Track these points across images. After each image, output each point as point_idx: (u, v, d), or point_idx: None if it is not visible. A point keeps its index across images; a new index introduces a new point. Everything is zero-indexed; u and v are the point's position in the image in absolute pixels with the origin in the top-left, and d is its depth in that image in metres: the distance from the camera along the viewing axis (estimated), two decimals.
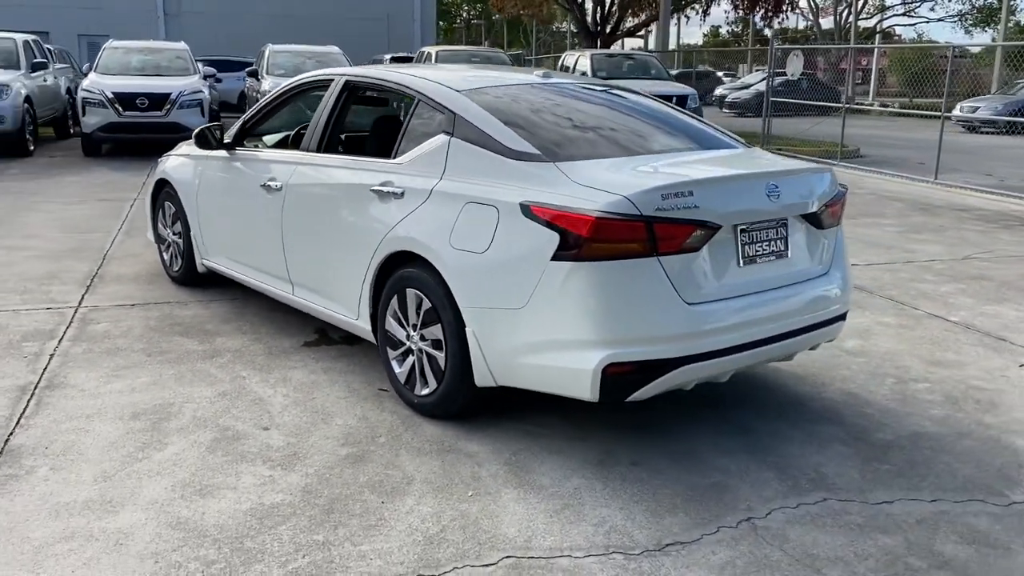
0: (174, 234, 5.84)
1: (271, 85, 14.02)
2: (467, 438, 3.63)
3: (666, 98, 15.29)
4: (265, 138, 5.54)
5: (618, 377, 3.19)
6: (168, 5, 33.13)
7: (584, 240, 3.13)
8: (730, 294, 3.39)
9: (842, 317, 3.88)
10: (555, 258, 3.19)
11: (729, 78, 41.26)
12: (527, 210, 3.28)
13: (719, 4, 28.33)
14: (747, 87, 32.72)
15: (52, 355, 4.50)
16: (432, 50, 16.50)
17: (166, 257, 6.04)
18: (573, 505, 3.11)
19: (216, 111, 16.75)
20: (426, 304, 3.68)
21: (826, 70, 31.05)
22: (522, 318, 3.31)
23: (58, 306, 5.38)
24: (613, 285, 3.15)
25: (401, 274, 3.80)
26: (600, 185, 3.23)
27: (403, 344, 3.88)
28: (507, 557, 2.77)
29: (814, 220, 3.71)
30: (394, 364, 3.95)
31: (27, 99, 13.18)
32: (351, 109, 4.66)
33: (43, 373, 4.25)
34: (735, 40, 65.00)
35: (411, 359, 3.84)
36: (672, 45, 54.83)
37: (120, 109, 12.88)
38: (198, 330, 4.98)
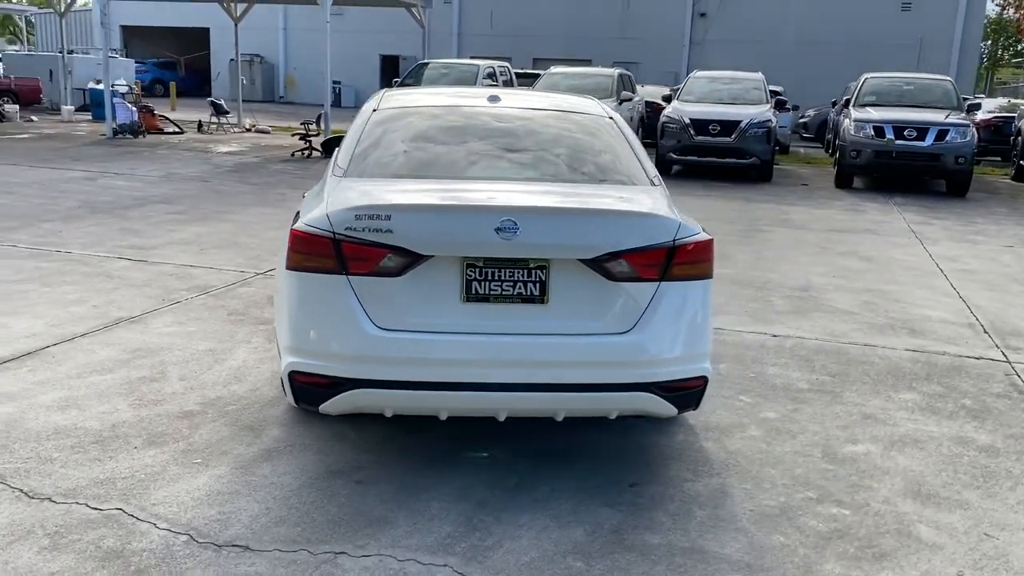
0: None
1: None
2: (290, 426, 3.96)
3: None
4: None
5: (304, 386, 3.30)
6: (695, 34, 35.05)
7: (289, 251, 3.31)
8: (446, 328, 3.21)
9: (648, 387, 3.28)
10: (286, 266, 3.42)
11: None
12: (295, 219, 3.54)
13: None
14: None
15: (177, 301, 5.88)
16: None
17: None
18: (243, 494, 3.33)
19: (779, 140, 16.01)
20: None
21: None
22: (279, 320, 3.58)
23: (249, 272, 6.82)
24: (303, 297, 3.28)
25: None
26: (333, 201, 3.35)
27: None
28: (119, 509, 3.18)
29: (601, 269, 3.23)
30: None
31: None
32: None
33: (148, 312, 5.62)
34: None
35: None
36: None
37: (693, 133, 14.13)
38: None
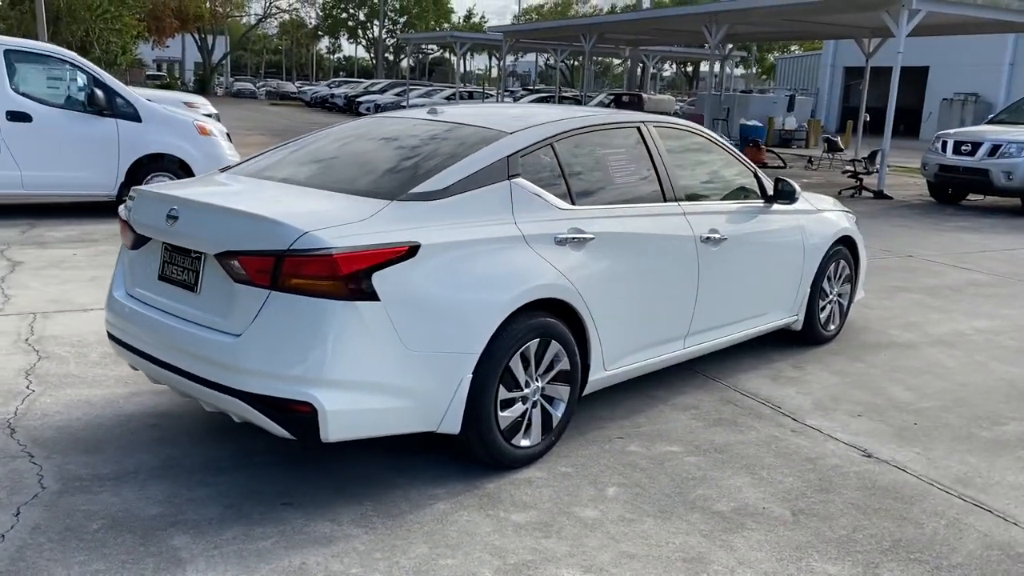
0: None
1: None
2: None
3: None
4: None
5: None
6: None
7: None
8: (147, 301, 3.64)
9: (245, 397, 3.16)
10: None
11: None
12: None
13: None
14: None
15: None
16: None
17: None
18: (77, 409, 4.26)
19: None
20: None
21: None
22: None
23: None
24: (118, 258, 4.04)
25: None
26: None
27: None
28: (28, 389, 4.44)
29: (227, 267, 3.25)
30: None
31: None
32: None
33: None
34: None
35: None
36: None
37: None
38: None
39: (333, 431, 3.16)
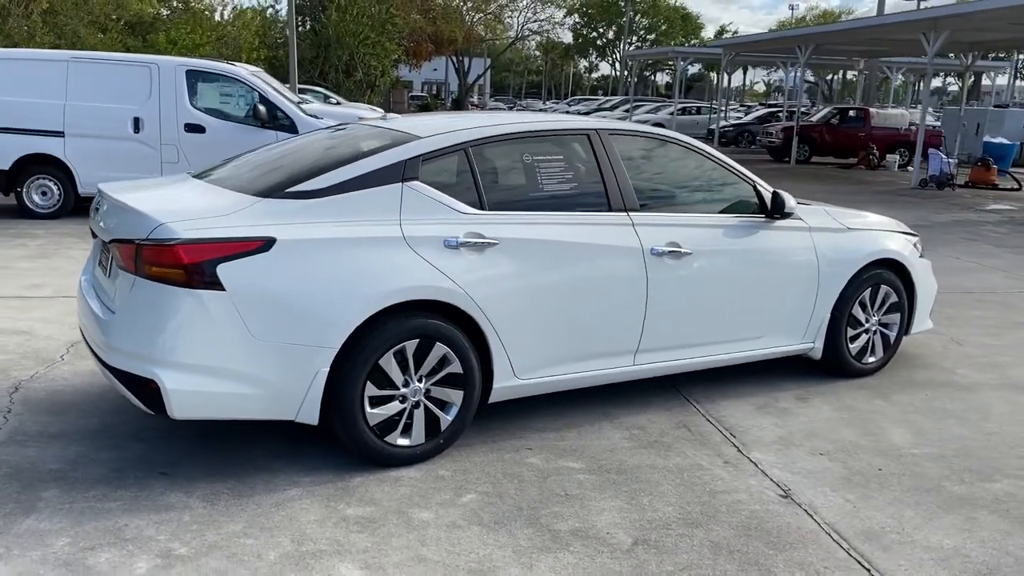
0: None
1: None
2: None
3: None
4: None
5: None
6: None
7: None
8: (90, 285, 4.09)
9: (116, 372, 3.51)
10: None
11: None
12: None
13: None
14: None
15: None
16: None
17: None
18: (70, 384, 4.87)
19: None
20: None
21: None
22: None
23: None
24: None
25: None
26: None
27: None
28: (61, 359, 5.13)
29: (113, 254, 3.61)
30: None
31: None
32: None
33: None
34: None
35: None
36: None
37: None
38: None
39: (177, 409, 3.41)
